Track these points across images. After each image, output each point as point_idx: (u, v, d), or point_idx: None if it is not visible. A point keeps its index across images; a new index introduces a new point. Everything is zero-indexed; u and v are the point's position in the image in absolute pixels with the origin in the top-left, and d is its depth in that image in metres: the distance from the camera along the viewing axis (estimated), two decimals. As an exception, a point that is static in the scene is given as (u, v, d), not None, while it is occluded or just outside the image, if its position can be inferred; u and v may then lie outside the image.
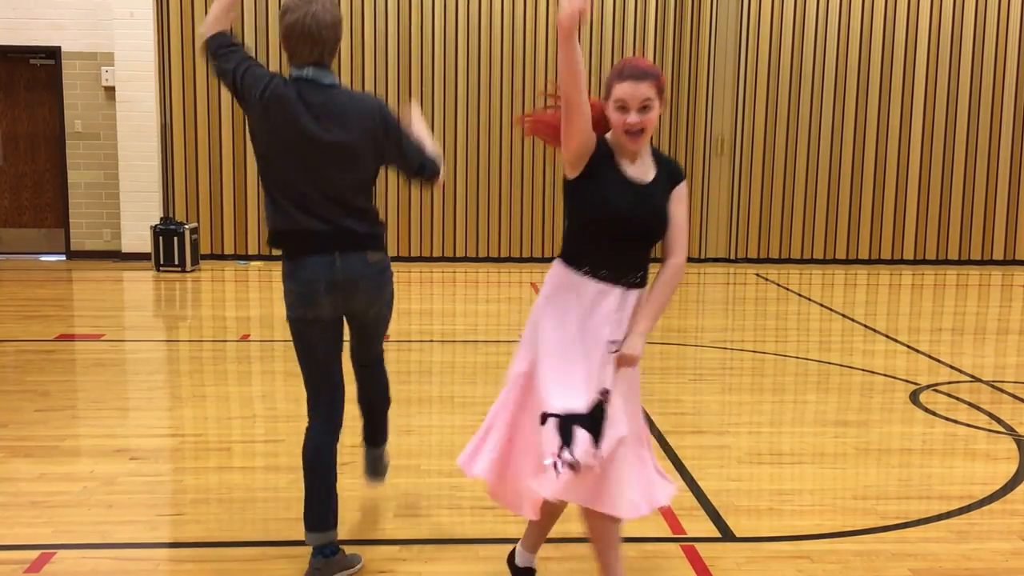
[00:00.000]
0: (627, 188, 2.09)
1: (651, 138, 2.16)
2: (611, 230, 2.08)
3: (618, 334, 2.10)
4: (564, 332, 2.10)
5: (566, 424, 2.01)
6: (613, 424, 2.05)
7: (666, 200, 2.14)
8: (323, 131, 2.32)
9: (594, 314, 2.10)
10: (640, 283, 2.16)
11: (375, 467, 2.91)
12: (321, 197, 2.33)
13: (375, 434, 2.85)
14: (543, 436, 2.04)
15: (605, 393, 2.06)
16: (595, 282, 2.10)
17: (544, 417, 2.04)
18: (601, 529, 2.18)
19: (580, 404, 2.02)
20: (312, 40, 2.33)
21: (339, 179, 2.34)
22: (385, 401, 2.84)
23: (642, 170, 2.14)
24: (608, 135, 2.15)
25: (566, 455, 1.97)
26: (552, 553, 2.68)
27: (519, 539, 2.78)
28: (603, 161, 2.09)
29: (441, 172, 2.52)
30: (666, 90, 2.19)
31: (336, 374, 2.49)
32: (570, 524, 2.89)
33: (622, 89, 2.05)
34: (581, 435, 1.99)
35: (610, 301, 2.10)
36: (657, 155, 2.21)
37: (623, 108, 2.06)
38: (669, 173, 2.18)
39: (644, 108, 2.05)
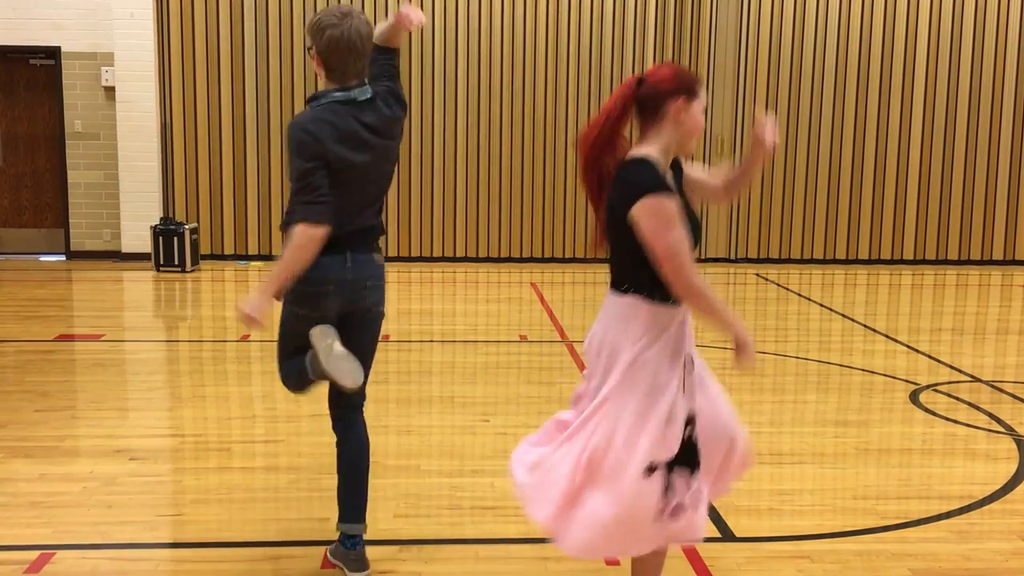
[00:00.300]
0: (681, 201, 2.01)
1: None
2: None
3: (692, 350, 2.06)
4: (667, 376, 1.99)
5: (666, 473, 1.96)
6: (711, 438, 2.04)
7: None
8: (381, 142, 2.37)
9: (684, 342, 2.03)
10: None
11: (359, 562, 2.44)
12: (374, 200, 2.44)
13: (359, 505, 2.47)
14: (643, 487, 1.95)
15: (692, 419, 2.01)
16: (675, 308, 2.01)
17: (649, 469, 1.95)
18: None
19: (674, 445, 1.96)
20: (357, 54, 2.27)
21: (385, 182, 2.45)
22: (368, 458, 2.50)
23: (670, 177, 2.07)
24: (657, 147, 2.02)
25: (671, 507, 1.95)
26: (551, 553, 2.68)
27: (519, 539, 2.79)
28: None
29: None
30: None
31: None
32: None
33: (704, 97, 2.05)
34: (679, 480, 1.96)
35: (686, 321, 2.05)
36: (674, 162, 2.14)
37: (705, 113, 2.07)
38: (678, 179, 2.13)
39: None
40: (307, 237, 2.23)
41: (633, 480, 1.94)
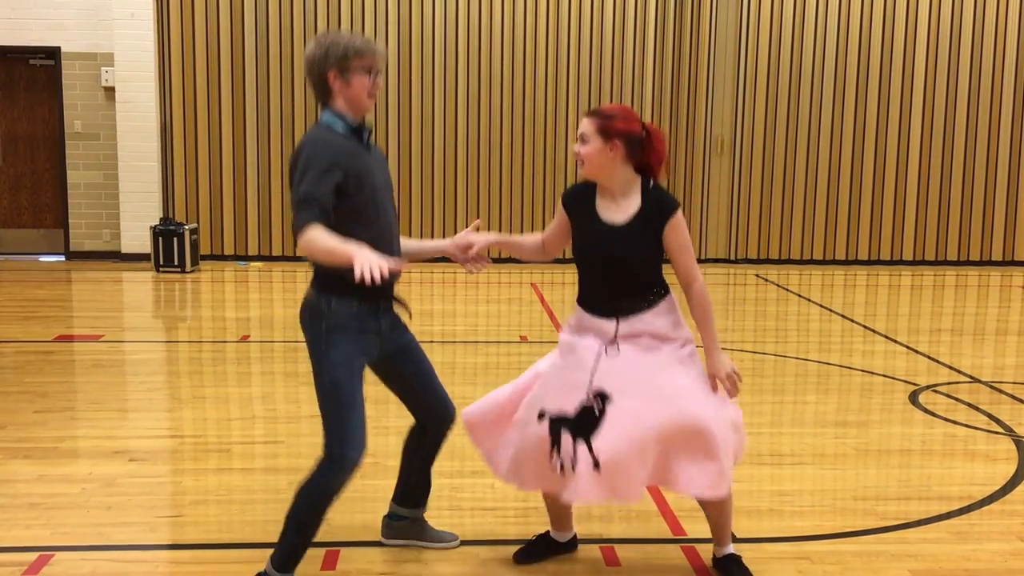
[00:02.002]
0: (597, 229, 2.39)
1: (645, 176, 2.38)
2: (585, 266, 2.44)
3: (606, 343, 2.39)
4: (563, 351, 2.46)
5: (555, 426, 2.33)
6: (614, 426, 2.28)
7: (643, 237, 2.36)
8: None
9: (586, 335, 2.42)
10: (625, 311, 2.37)
11: None
12: None
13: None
14: (537, 431, 2.36)
15: (601, 396, 2.31)
16: (586, 313, 2.42)
17: (541, 414, 2.36)
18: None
19: (570, 408, 2.32)
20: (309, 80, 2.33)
21: None
22: (291, 511, 2.33)
23: (616, 211, 2.39)
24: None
25: (554, 459, 2.31)
26: (550, 555, 2.68)
27: (519, 540, 2.79)
28: (581, 210, 2.44)
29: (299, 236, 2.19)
30: (612, 132, 2.34)
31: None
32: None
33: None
34: (566, 439, 2.30)
35: (602, 330, 2.39)
36: (647, 194, 2.39)
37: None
38: (653, 211, 2.37)
39: (582, 140, 2.37)
40: None
41: (529, 418, 2.40)
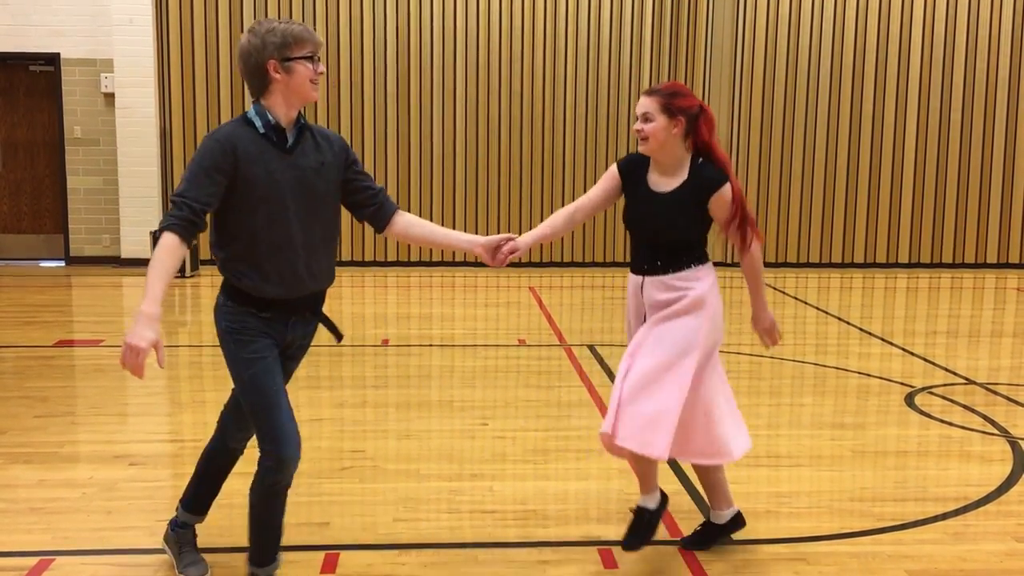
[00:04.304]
0: (648, 197, 2.56)
1: (697, 152, 2.52)
2: (632, 231, 2.63)
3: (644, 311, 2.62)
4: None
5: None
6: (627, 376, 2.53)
7: (689, 207, 2.52)
8: None
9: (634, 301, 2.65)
10: (661, 270, 2.55)
11: None
12: None
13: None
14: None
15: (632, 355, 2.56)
16: (632, 275, 2.62)
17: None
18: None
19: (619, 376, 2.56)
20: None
21: None
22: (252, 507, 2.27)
23: (664, 183, 2.55)
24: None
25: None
26: (550, 556, 2.70)
27: (518, 543, 2.80)
28: (635, 179, 2.59)
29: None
30: (676, 108, 2.48)
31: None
32: (568, 527, 2.90)
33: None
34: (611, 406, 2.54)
35: (640, 288, 2.60)
36: (695, 168, 2.54)
37: (636, 118, 2.55)
38: (699, 184, 2.51)
39: (645, 119, 2.50)
40: None
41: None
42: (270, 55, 2.13)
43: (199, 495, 2.56)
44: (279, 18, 2.51)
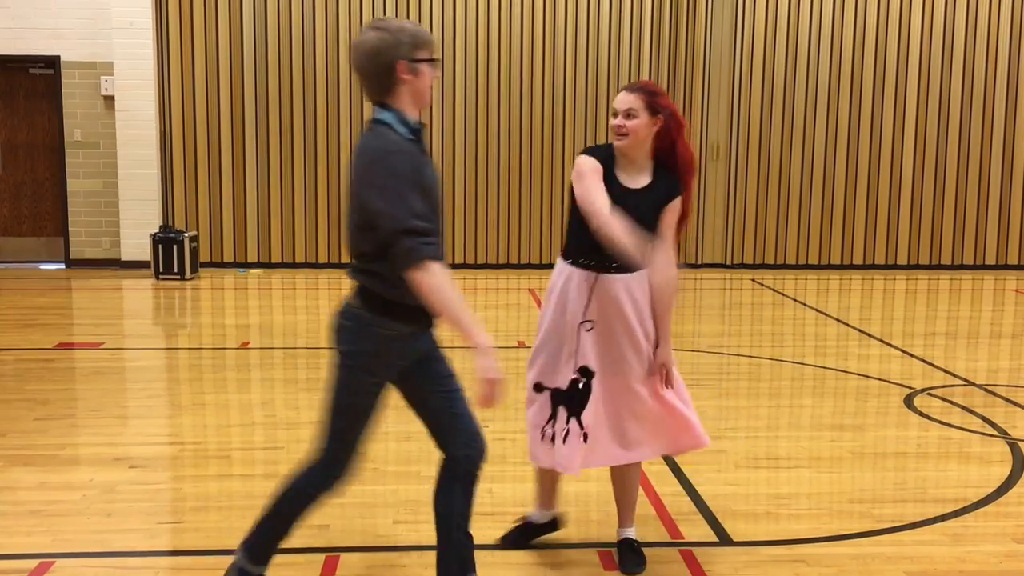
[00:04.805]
0: (623, 192, 2.47)
1: (655, 154, 2.51)
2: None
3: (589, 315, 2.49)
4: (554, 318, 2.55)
5: (551, 399, 2.50)
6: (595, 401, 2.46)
7: (658, 206, 2.50)
8: (353, 176, 2.06)
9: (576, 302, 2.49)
10: (617, 269, 2.45)
11: None
12: (347, 237, 2.12)
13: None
14: (531, 397, 2.54)
15: (586, 372, 2.47)
16: (577, 269, 2.50)
17: (539, 387, 2.53)
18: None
19: (561, 381, 2.48)
20: (360, 73, 2.04)
21: (349, 218, 2.09)
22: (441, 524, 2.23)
23: (632, 180, 2.50)
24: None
25: (548, 429, 2.48)
26: (551, 559, 2.70)
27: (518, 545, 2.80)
28: (606, 171, 2.49)
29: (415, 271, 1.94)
30: (667, 111, 2.50)
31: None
32: (568, 529, 2.90)
33: (615, 99, 2.53)
34: (560, 411, 2.47)
35: (582, 284, 2.49)
36: (658, 171, 2.51)
37: (613, 114, 2.50)
38: (665, 184, 2.51)
39: (629, 115, 2.46)
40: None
41: (529, 390, 2.55)
42: (402, 55, 1.99)
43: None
44: (396, 16, 2.39)
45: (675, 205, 2.49)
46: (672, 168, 2.50)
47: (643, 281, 2.47)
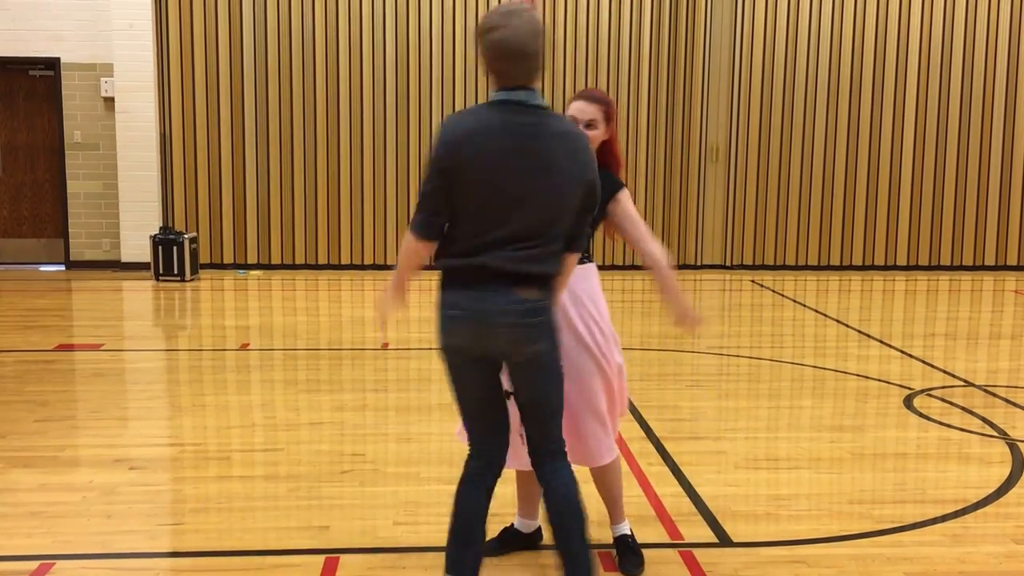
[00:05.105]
0: None
1: (628, 150, 2.49)
2: None
3: None
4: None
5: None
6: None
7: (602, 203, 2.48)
8: (537, 159, 2.04)
9: None
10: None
11: None
12: (516, 230, 2.11)
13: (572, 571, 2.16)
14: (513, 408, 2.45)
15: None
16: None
17: (508, 393, 2.45)
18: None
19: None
20: (520, 57, 2.06)
21: (540, 214, 2.10)
22: (573, 517, 2.21)
23: None
24: None
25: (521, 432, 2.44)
26: (551, 560, 2.70)
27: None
28: None
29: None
30: (614, 119, 2.54)
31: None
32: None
33: (572, 107, 2.53)
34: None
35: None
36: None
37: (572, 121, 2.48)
38: (607, 183, 2.47)
39: (590, 126, 2.48)
40: (410, 249, 2.23)
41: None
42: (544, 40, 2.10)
43: None
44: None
45: (621, 196, 2.52)
46: (607, 166, 2.54)
47: (587, 273, 2.52)
